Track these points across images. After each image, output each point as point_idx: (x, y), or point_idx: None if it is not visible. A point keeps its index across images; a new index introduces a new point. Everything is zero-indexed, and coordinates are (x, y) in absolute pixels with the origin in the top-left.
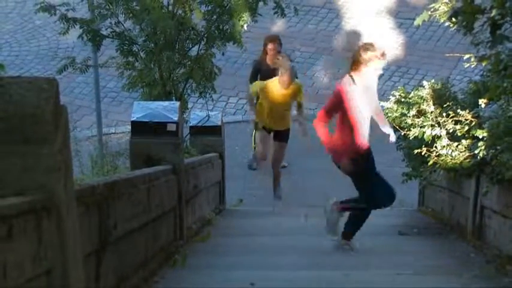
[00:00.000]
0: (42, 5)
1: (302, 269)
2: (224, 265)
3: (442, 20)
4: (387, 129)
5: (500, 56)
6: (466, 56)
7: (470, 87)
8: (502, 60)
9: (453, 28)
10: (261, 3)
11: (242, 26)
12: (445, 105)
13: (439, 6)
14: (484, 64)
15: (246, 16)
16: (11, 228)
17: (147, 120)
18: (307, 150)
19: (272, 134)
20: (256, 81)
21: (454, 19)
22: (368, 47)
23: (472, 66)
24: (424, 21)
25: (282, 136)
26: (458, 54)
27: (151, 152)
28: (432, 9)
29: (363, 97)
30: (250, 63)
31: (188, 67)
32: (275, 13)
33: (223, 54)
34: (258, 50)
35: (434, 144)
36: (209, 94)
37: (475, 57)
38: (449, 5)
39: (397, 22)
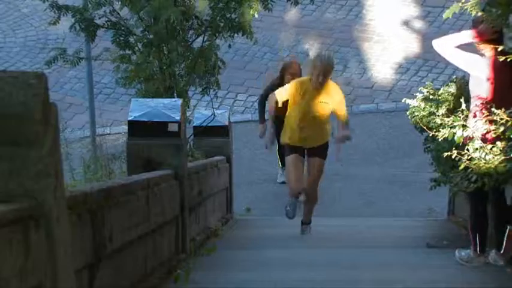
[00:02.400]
0: None
1: (318, 285)
2: (231, 281)
3: (473, 13)
4: None
5: None
6: (500, 48)
7: None
8: None
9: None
10: None
11: (252, 15)
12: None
13: None
14: None
15: (256, 4)
16: None
17: (146, 120)
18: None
19: (305, 152)
20: (280, 88)
21: (487, 11)
22: None
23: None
24: (454, 12)
25: (319, 151)
26: (492, 46)
27: (151, 155)
28: (463, 1)
29: None
30: (261, 56)
31: (191, 60)
32: (288, 0)
33: (229, 46)
34: (269, 42)
35: (466, 147)
36: (213, 90)
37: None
38: None
39: (424, 10)
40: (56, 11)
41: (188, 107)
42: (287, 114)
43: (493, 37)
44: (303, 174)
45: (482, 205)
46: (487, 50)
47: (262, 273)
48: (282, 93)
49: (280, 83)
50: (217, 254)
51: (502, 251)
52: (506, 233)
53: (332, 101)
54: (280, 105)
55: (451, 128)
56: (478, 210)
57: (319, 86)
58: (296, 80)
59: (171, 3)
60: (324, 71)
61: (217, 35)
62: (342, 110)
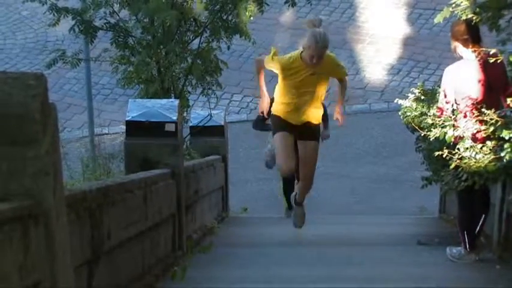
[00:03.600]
0: None
1: (311, 282)
2: (227, 278)
3: (464, 17)
4: None
5: None
6: (493, 51)
7: None
8: None
9: (477, 20)
10: None
11: (249, 17)
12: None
13: (461, 2)
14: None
15: (252, 6)
16: None
17: (143, 120)
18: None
19: (295, 134)
20: (276, 57)
21: (478, 14)
22: None
23: (499, 61)
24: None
25: (311, 133)
26: (483, 49)
27: (148, 155)
28: (454, 5)
29: None
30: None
31: (188, 61)
32: (286, 3)
33: (228, 48)
34: (264, 43)
35: (457, 146)
36: (212, 91)
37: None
38: (471, 0)
39: (415, 13)
40: (56, 14)
41: (187, 110)
42: (277, 89)
43: (464, 37)
44: (293, 151)
45: (469, 202)
46: (467, 52)
47: (258, 270)
48: (270, 65)
49: None
50: (214, 251)
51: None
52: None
53: (329, 71)
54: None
55: (442, 127)
56: (465, 207)
57: (313, 65)
58: (283, 58)
59: (167, 5)
60: (318, 54)
61: (215, 36)
62: (341, 73)
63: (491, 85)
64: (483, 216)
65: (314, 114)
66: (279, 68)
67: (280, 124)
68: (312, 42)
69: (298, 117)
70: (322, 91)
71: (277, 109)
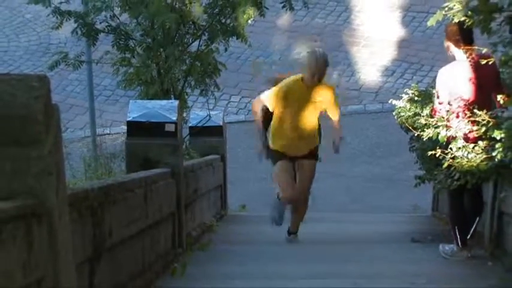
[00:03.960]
0: None
1: (308, 278)
2: (225, 274)
3: (456, 20)
4: None
5: None
6: (484, 50)
7: None
8: None
9: (469, 23)
10: None
11: (247, 21)
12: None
13: (454, 5)
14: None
15: (251, 10)
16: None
17: (144, 120)
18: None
19: (294, 159)
20: (265, 94)
21: (470, 17)
22: None
23: (490, 63)
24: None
25: (310, 155)
26: (474, 49)
27: (149, 154)
28: (447, 8)
29: None
30: (253, 59)
31: (188, 63)
32: (283, 7)
33: (226, 50)
34: (262, 45)
35: (449, 146)
36: (211, 92)
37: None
38: (463, 4)
39: (409, 16)
40: (59, 17)
41: (187, 110)
42: (274, 121)
43: (456, 38)
44: (294, 180)
45: (459, 201)
46: (458, 52)
47: (256, 267)
48: (271, 101)
49: None
50: (212, 248)
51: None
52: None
53: (325, 99)
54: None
55: (435, 128)
56: (455, 206)
57: (313, 84)
58: (283, 84)
59: (167, 9)
60: (319, 71)
61: (213, 39)
62: (335, 110)
63: (482, 85)
64: (477, 218)
65: (312, 143)
66: (282, 95)
67: (279, 155)
68: (312, 59)
69: (297, 150)
70: (316, 117)
71: (276, 144)
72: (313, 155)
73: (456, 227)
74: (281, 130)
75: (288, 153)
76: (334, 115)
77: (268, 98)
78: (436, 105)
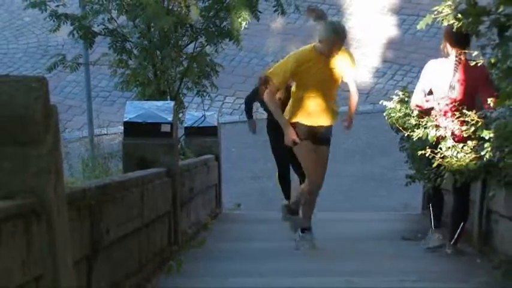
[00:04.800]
0: (31, 0)
1: (301, 275)
2: (220, 271)
3: (446, 23)
4: None
5: (508, 59)
6: (475, 53)
7: None
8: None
9: (458, 26)
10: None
11: (241, 24)
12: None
13: (443, 9)
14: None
15: (245, 13)
16: None
17: (140, 121)
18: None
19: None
20: (274, 67)
21: (459, 20)
22: None
23: (479, 64)
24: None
25: (326, 136)
26: (464, 51)
27: (145, 154)
28: (436, 12)
29: None
30: (247, 61)
31: (184, 65)
32: (275, 11)
33: (216, 51)
34: (255, 48)
35: (439, 146)
36: (206, 93)
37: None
38: (452, 7)
39: (400, 19)
40: (56, 20)
41: (183, 111)
42: (294, 92)
43: (450, 39)
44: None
45: (437, 190)
46: (451, 53)
47: (250, 263)
48: (280, 74)
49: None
50: (207, 246)
51: (452, 242)
52: (460, 228)
53: (343, 63)
54: (280, 95)
55: (424, 128)
56: (434, 195)
57: (330, 57)
58: (298, 52)
59: (164, 12)
60: (339, 46)
61: (209, 41)
62: (353, 74)
63: (467, 86)
64: (462, 223)
65: (333, 113)
66: (295, 65)
67: (303, 133)
68: (331, 36)
69: (320, 116)
70: (337, 87)
71: (298, 114)
72: (328, 138)
73: (433, 212)
74: (303, 100)
75: (310, 123)
76: (351, 81)
77: (278, 73)
78: (418, 95)
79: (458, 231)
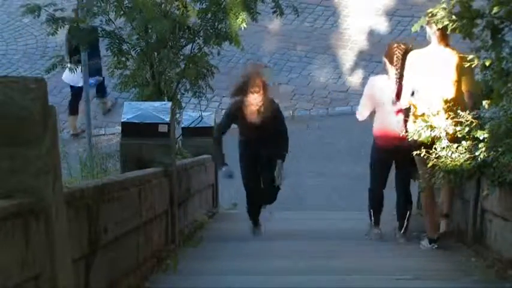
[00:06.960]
0: (28, 6)
1: (297, 274)
2: (216, 270)
3: (440, 26)
4: None
5: (502, 61)
6: (470, 57)
7: None
8: (504, 68)
9: (452, 28)
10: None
11: (239, 25)
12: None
13: (437, 11)
14: (487, 64)
15: (243, 15)
16: None
17: (138, 121)
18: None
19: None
20: None
21: (453, 22)
22: None
23: (473, 65)
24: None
25: None
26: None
27: (143, 154)
28: (430, 15)
29: None
30: (244, 62)
31: (181, 66)
32: (274, 12)
33: (218, 54)
34: (252, 48)
35: (434, 146)
36: (203, 94)
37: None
38: (446, 10)
39: (394, 20)
40: (54, 24)
41: (180, 111)
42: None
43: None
44: None
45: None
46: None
47: (245, 262)
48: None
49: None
50: (204, 245)
51: (402, 231)
52: (407, 216)
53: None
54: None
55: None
56: (373, 189)
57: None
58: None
59: (161, 14)
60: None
61: (207, 43)
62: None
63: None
64: (408, 212)
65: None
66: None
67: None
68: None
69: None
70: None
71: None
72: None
73: (371, 209)
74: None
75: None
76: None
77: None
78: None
79: (406, 221)
